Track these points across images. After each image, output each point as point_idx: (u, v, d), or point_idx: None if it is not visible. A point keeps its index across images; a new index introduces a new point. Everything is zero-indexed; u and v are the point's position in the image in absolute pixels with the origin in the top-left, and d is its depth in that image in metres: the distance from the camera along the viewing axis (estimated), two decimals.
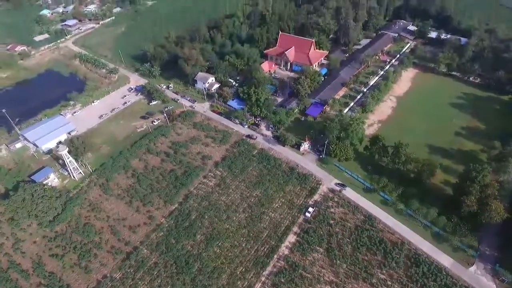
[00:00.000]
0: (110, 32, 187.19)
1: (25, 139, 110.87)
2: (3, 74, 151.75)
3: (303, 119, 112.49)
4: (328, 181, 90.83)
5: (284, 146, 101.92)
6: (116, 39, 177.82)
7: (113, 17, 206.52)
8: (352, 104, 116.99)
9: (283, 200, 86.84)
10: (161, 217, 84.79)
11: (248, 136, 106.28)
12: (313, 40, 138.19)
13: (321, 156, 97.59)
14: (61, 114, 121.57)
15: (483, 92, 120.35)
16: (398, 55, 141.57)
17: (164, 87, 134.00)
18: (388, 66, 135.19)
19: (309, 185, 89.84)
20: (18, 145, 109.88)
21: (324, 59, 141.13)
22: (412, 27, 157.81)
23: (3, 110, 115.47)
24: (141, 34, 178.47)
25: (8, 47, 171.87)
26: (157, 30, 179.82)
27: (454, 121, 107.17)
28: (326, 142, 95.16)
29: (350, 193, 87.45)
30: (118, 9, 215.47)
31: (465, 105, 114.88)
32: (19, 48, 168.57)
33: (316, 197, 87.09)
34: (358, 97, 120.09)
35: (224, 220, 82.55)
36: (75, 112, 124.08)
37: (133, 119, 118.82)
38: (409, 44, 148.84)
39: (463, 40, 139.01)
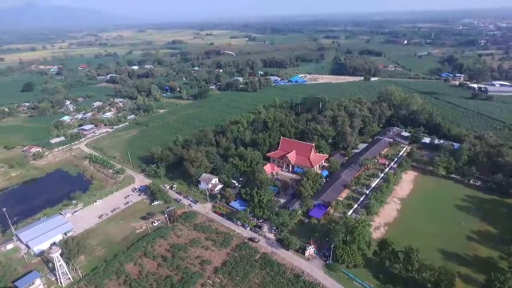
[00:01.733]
0: (122, 135, 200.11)
1: (19, 239, 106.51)
2: (14, 173, 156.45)
3: (306, 221, 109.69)
4: None
5: (288, 250, 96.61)
6: (126, 142, 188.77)
7: (127, 123, 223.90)
8: (355, 206, 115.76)
9: None
10: None
11: (250, 239, 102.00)
12: (313, 144, 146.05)
13: (328, 262, 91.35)
14: (61, 214, 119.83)
15: (486, 195, 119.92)
16: (396, 158, 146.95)
17: (168, 187, 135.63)
18: (387, 169, 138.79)
19: None
20: (9, 246, 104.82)
21: (324, 161, 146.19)
22: (405, 133, 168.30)
23: (4, 209, 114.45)
24: (151, 138, 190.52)
25: (25, 148, 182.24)
26: (167, 135, 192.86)
27: (463, 224, 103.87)
28: (332, 246, 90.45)
29: None
30: (132, 116, 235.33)
31: (471, 208, 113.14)
32: (34, 149, 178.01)
33: None
34: (361, 199, 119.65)
35: None
36: (75, 212, 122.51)
37: (133, 220, 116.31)
38: (405, 148, 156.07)
39: (456, 145, 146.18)
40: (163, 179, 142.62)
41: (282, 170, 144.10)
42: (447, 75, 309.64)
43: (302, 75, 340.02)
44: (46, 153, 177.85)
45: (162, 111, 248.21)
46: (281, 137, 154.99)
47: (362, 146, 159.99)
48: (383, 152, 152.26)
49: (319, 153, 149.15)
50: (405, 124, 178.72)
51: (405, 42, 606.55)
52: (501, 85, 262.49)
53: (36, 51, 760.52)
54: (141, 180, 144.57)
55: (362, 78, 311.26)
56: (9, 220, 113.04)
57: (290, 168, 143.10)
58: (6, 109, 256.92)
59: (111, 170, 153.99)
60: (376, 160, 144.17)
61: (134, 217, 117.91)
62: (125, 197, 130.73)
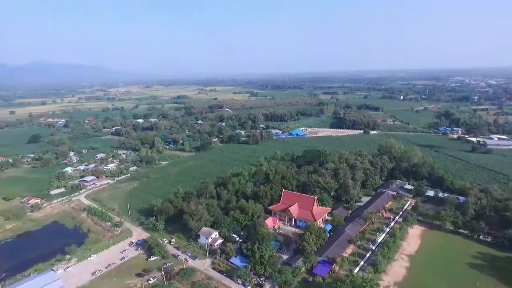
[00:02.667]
0: (122, 187, 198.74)
1: None
2: (9, 225, 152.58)
3: (311, 279, 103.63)
4: None
5: None
6: (127, 194, 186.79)
7: (129, 175, 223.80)
8: (362, 263, 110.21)
9: None
10: None
11: None
12: (316, 197, 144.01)
13: None
14: (53, 270, 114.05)
15: (499, 252, 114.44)
16: (400, 212, 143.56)
17: (166, 241, 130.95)
18: (393, 223, 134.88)
19: None
20: None
21: (327, 215, 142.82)
22: (408, 186, 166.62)
23: None
24: (151, 190, 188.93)
25: (23, 199, 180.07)
26: (168, 186, 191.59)
27: (478, 285, 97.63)
28: None
29: None
30: (134, 167, 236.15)
31: (485, 266, 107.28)
32: (33, 201, 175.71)
33: None
34: (368, 255, 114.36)
35: None
36: (67, 268, 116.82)
37: (127, 277, 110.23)
38: (409, 202, 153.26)
39: (461, 198, 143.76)
40: (161, 233, 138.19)
41: (284, 224, 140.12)
42: (445, 129, 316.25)
43: (303, 128, 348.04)
44: (45, 204, 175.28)
45: (164, 163, 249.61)
46: (283, 190, 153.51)
47: (365, 199, 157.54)
48: (387, 206, 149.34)
49: (322, 206, 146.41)
50: (407, 177, 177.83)
51: (401, 97, 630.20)
52: (499, 139, 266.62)
53: (46, 105, 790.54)
54: (139, 233, 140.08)
55: (361, 131, 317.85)
56: None
57: (293, 222, 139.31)
58: (10, 160, 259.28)
59: (109, 223, 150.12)
60: (380, 214, 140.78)
61: (129, 273, 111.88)
62: (121, 252, 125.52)
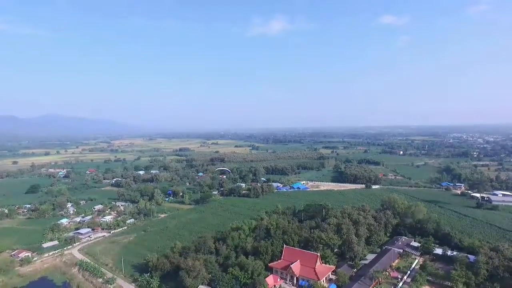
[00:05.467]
0: (118, 240, 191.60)
1: None
2: None
3: None
4: None
5: None
6: (122, 248, 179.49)
7: (125, 227, 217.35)
8: None
9: None
10: None
11: None
12: (319, 254, 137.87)
13: None
14: None
15: None
16: (408, 271, 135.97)
17: None
18: (401, 283, 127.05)
19: None
20: None
21: (331, 273, 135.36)
22: (415, 243, 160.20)
23: None
24: (148, 244, 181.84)
25: (13, 253, 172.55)
26: (165, 240, 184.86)
27: None
28: None
29: None
30: (132, 220, 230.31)
31: None
32: (23, 254, 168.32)
33: None
34: None
35: None
36: None
37: None
38: (417, 260, 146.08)
39: (471, 257, 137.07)
40: None
41: (286, 283, 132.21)
42: (447, 184, 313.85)
43: (304, 182, 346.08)
44: (35, 258, 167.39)
45: (163, 215, 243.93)
46: (284, 246, 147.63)
47: (370, 256, 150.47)
48: (394, 264, 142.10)
49: (325, 263, 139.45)
50: (413, 233, 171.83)
51: (401, 153, 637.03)
52: (503, 195, 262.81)
53: (50, 155, 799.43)
54: None
55: (363, 186, 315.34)
56: None
57: (295, 281, 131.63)
58: (6, 211, 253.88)
59: (100, 279, 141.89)
60: (387, 273, 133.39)
61: None
62: None
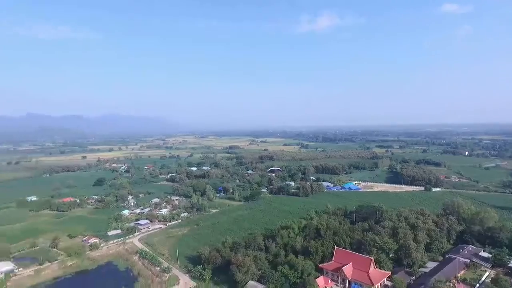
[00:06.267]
0: (173, 233, 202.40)
1: None
2: (70, 262, 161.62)
3: None
4: None
5: None
6: (177, 240, 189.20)
7: (180, 220, 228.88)
8: None
9: None
10: None
11: None
12: (372, 258, 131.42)
13: None
14: None
15: None
16: (477, 285, 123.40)
17: None
18: None
19: None
20: None
21: (387, 279, 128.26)
22: (484, 254, 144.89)
23: None
24: (200, 237, 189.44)
25: (84, 238, 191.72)
26: (216, 235, 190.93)
27: None
28: None
29: None
30: (185, 214, 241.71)
31: None
32: (92, 240, 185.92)
33: None
34: None
35: None
36: None
37: None
38: (487, 273, 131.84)
39: None
40: (208, 283, 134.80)
41: (337, 285, 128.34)
42: None
43: (356, 182, 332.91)
44: (102, 244, 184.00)
45: (214, 211, 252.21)
46: (335, 247, 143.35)
47: (431, 264, 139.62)
48: (459, 275, 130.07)
49: (379, 268, 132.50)
50: (481, 242, 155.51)
51: (467, 153, 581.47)
52: None
53: (113, 152, 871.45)
54: (185, 281, 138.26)
55: (422, 188, 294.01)
56: None
57: (346, 284, 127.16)
58: (78, 201, 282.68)
59: (158, 268, 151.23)
60: (451, 284, 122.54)
61: None
62: None
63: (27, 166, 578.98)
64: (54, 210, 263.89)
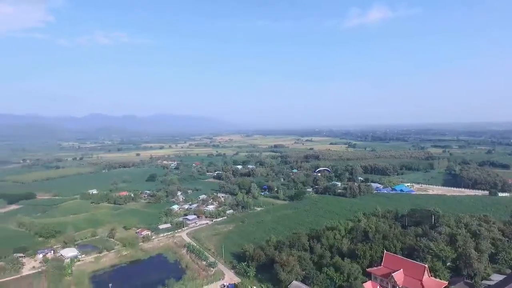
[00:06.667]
0: (219, 229, 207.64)
1: None
2: (124, 252, 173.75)
3: None
4: None
5: None
6: (222, 236, 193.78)
7: (225, 217, 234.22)
8: None
9: None
10: None
11: None
12: (426, 266, 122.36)
13: None
14: None
15: None
16: None
17: None
18: None
19: None
20: None
21: None
22: None
23: (110, 285, 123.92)
24: (245, 235, 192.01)
25: (138, 230, 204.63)
26: (260, 233, 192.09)
27: None
28: None
29: None
30: (231, 211, 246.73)
31: None
32: (145, 232, 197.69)
33: None
34: None
35: None
36: None
37: None
38: None
39: None
40: (252, 280, 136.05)
41: None
42: None
43: (409, 184, 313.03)
44: (153, 237, 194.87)
45: (258, 209, 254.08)
46: (385, 252, 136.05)
47: (496, 277, 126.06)
48: None
49: (434, 277, 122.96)
50: None
51: None
52: None
53: (163, 149, 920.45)
54: (230, 277, 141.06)
55: (486, 192, 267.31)
56: None
57: None
58: (132, 195, 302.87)
59: (204, 262, 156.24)
60: None
61: None
62: None
63: (89, 162, 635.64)
64: (111, 203, 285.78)
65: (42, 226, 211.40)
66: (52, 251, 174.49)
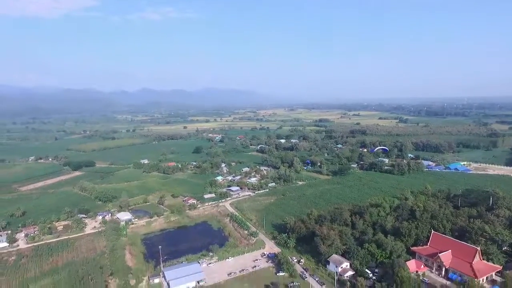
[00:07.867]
0: (261, 200, 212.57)
1: (164, 276, 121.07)
2: (173, 218, 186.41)
3: None
4: None
5: None
6: (264, 207, 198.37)
7: (267, 190, 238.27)
8: None
9: None
10: None
11: None
12: (479, 248, 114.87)
13: None
14: (198, 262, 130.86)
15: None
16: None
17: (295, 260, 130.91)
18: None
19: None
20: (156, 280, 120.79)
21: (495, 274, 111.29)
22: None
23: (159, 247, 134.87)
24: (286, 207, 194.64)
25: (184, 199, 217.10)
26: (301, 206, 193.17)
27: None
28: None
29: None
30: (273, 184, 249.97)
31: None
32: (191, 201, 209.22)
33: None
34: None
35: None
36: (210, 263, 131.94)
37: (257, 286, 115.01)
38: None
39: None
40: (291, 251, 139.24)
41: (431, 272, 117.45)
42: None
43: (465, 162, 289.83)
44: (199, 205, 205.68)
45: (300, 183, 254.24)
46: (432, 231, 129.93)
47: None
48: None
49: (487, 261, 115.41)
50: None
51: None
52: None
53: (209, 122, 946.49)
54: (270, 247, 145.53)
55: None
56: (161, 258, 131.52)
57: (443, 272, 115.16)
58: (179, 166, 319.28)
59: (246, 231, 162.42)
60: None
61: (258, 283, 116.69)
62: (254, 261, 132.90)
63: (141, 133, 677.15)
64: (161, 172, 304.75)
65: (101, 191, 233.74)
66: (110, 214, 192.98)
